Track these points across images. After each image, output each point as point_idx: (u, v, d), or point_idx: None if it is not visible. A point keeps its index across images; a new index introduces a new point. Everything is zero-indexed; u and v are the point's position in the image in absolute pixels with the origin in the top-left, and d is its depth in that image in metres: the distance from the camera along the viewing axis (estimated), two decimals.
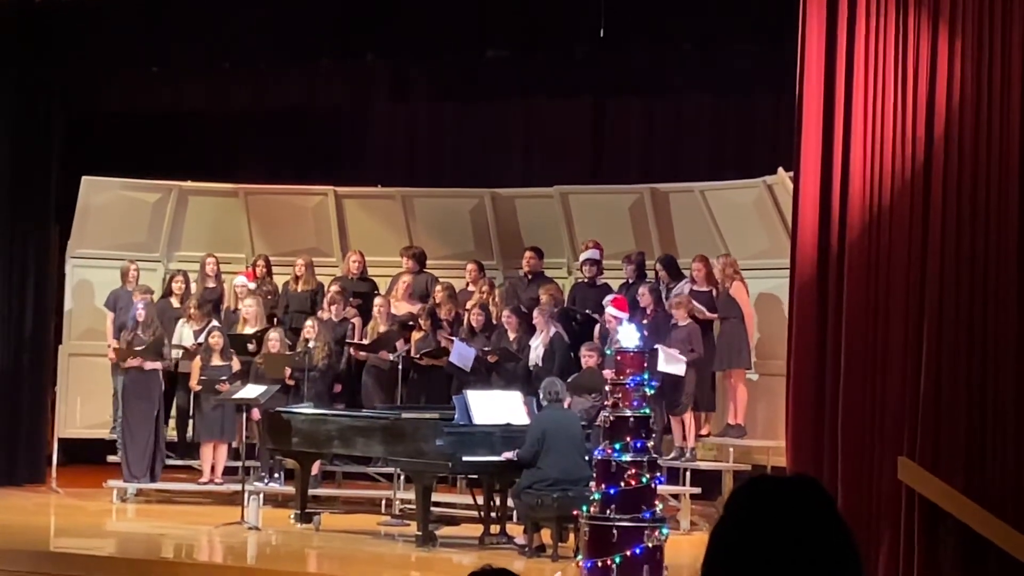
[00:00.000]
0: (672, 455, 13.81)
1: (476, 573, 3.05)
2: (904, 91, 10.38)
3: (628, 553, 10.19)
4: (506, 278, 16.13)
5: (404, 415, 12.80)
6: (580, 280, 15.47)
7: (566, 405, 12.37)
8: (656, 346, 13.25)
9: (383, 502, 14.47)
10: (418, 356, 14.76)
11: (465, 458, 12.12)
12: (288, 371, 14.67)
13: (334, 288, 15.67)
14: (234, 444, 14.93)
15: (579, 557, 10.66)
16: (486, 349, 14.42)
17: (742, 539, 2.68)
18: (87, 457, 16.37)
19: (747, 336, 14.10)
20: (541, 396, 12.08)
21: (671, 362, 13.48)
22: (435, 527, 12.43)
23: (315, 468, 14.31)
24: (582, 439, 11.79)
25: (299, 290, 16.08)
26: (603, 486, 10.39)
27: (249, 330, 15.31)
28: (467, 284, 15.72)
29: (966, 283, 10.16)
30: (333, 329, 15.27)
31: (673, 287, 14.59)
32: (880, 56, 10.45)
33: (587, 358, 13.47)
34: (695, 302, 14.14)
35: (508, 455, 11.94)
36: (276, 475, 14.82)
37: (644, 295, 14.18)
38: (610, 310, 13.77)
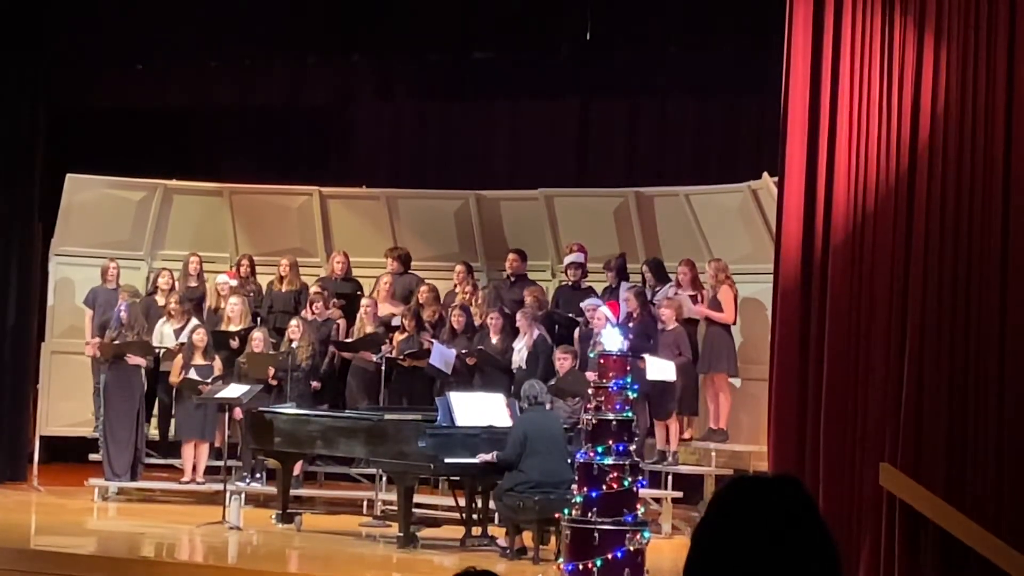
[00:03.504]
0: (654, 459, 13.81)
1: (459, 575, 3.05)
2: (889, 96, 10.38)
3: (609, 556, 10.18)
4: (490, 280, 16.11)
5: (386, 416, 12.79)
6: (564, 283, 15.45)
7: (547, 407, 12.32)
8: (644, 355, 13.23)
9: (365, 503, 14.45)
10: (401, 357, 14.73)
11: (447, 460, 12.11)
12: (271, 371, 14.64)
13: (314, 288, 15.67)
14: (216, 443, 14.90)
15: (560, 560, 10.63)
16: (465, 351, 14.40)
17: (724, 537, 2.70)
18: (69, 455, 16.32)
19: (732, 341, 14.10)
20: (521, 399, 12.07)
21: (660, 369, 13.46)
22: (417, 528, 12.41)
23: (297, 468, 14.30)
24: (564, 442, 11.77)
25: (283, 290, 16.05)
26: (585, 489, 10.37)
27: (233, 328, 15.28)
28: (454, 286, 15.69)
29: (949, 289, 10.16)
30: (318, 329, 15.25)
31: (658, 290, 14.58)
32: (865, 61, 10.46)
33: (561, 360, 13.36)
34: (689, 301, 14.13)
35: (485, 457, 11.91)
36: (258, 475, 14.80)
37: (629, 299, 14.15)
38: (603, 309, 13.74)
